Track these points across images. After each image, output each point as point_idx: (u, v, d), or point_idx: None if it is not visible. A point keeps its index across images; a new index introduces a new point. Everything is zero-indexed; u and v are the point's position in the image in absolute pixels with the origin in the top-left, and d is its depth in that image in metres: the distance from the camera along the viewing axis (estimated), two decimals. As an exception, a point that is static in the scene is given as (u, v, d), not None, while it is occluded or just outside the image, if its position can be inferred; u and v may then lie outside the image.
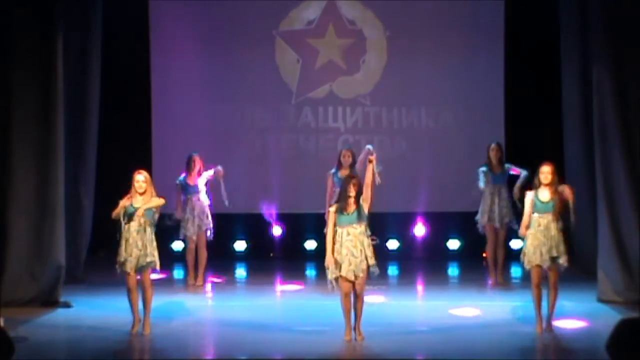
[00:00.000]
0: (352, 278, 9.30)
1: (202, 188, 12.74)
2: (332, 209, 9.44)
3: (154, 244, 9.77)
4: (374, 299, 11.23)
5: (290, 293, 12.63)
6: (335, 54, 15.05)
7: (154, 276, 10.31)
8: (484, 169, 12.67)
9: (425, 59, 14.94)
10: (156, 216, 9.84)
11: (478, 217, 12.67)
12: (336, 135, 15.12)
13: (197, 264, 12.78)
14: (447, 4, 14.86)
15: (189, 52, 14.86)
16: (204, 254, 12.75)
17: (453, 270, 14.33)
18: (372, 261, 9.29)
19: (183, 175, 12.74)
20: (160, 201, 9.83)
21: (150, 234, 9.74)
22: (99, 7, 12.64)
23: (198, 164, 12.70)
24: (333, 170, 12.41)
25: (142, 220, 9.69)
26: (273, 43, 15.04)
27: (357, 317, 9.50)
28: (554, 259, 9.62)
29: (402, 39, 15.01)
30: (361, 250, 9.28)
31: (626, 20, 11.15)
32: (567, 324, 10.21)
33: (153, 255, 9.73)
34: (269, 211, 14.79)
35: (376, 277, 9.41)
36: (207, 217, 12.75)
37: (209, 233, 12.77)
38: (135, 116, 14.81)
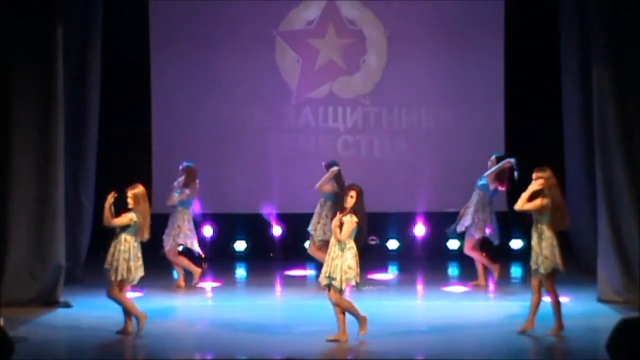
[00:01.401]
0: (323, 284, 9.55)
1: (185, 200, 12.68)
2: None
3: (123, 255, 9.73)
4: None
5: (290, 292, 12.64)
6: (335, 54, 15.05)
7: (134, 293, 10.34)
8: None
9: (425, 59, 14.94)
10: (141, 232, 9.84)
11: None
12: (336, 135, 15.12)
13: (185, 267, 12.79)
14: (447, 4, 14.86)
15: (189, 52, 14.86)
16: (176, 261, 12.73)
17: (453, 270, 14.33)
18: (332, 274, 9.41)
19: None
20: (123, 221, 9.78)
21: (123, 244, 9.76)
22: (99, 7, 12.64)
23: (183, 176, 12.69)
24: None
25: (121, 233, 9.79)
26: (273, 43, 15.04)
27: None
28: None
29: (402, 39, 15.01)
30: (332, 258, 9.43)
31: (626, 21, 11.15)
32: (567, 324, 10.20)
33: (110, 263, 9.76)
34: (268, 211, 14.78)
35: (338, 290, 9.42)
36: (182, 232, 12.61)
37: (180, 248, 12.75)
38: (135, 116, 14.81)
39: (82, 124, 12.57)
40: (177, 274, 12.94)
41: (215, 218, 14.83)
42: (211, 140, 14.91)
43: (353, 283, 9.44)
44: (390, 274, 13.85)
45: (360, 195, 9.60)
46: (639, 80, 11.16)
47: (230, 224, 15.05)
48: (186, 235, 12.59)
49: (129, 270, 9.75)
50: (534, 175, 9.74)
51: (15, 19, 11.18)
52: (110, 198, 9.79)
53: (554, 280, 9.68)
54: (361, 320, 9.53)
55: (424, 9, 14.98)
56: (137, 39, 14.82)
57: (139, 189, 9.92)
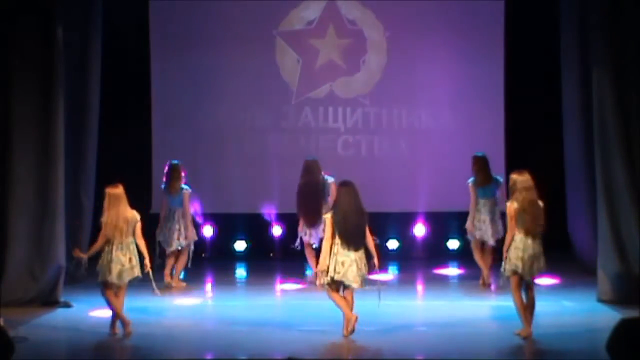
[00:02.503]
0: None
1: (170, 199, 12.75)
2: None
3: (107, 257, 9.88)
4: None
5: (290, 293, 12.62)
6: (335, 54, 15.05)
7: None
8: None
9: (425, 59, 14.93)
10: (111, 233, 9.94)
11: None
12: (336, 135, 15.11)
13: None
14: (447, 4, 14.86)
15: (189, 52, 14.86)
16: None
17: (453, 270, 14.31)
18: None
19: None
20: (102, 234, 9.95)
21: (107, 246, 9.94)
22: (99, 7, 12.64)
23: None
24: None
25: None
26: (273, 43, 15.04)
27: None
28: None
29: (402, 39, 15.01)
30: None
31: (626, 21, 11.15)
32: (567, 324, 10.21)
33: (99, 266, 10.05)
34: (268, 211, 14.78)
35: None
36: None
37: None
38: (135, 116, 14.80)
39: (82, 124, 12.56)
40: (185, 273, 12.96)
41: (215, 218, 14.82)
42: (211, 140, 14.90)
43: (322, 279, 9.55)
44: (391, 274, 13.81)
45: (339, 190, 9.73)
46: (639, 81, 11.16)
47: (230, 224, 15.04)
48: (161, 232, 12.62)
49: (109, 271, 9.79)
50: (510, 177, 9.73)
51: (15, 19, 11.19)
52: (77, 254, 10.29)
53: (516, 283, 9.62)
54: (345, 318, 9.57)
55: (424, 9, 14.98)
56: (137, 39, 14.81)
57: (109, 190, 9.96)
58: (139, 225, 9.96)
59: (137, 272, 9.88)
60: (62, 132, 11.40)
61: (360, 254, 9.55)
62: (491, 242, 12.53)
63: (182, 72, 14.89)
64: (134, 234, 9.91)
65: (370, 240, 9.65)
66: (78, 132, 12.44)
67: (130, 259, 9.84)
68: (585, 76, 12.27)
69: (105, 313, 10.15)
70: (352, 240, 9.51)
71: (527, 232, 9.56)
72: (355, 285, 9.53)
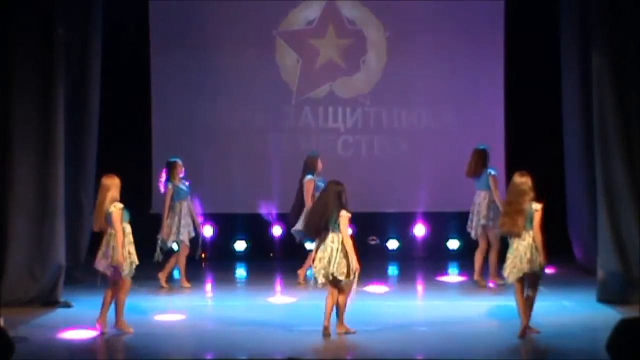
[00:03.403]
0: None
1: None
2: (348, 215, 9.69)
3: None
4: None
5: (290, 293, 12.62)
6: (335, 54, 15.05)
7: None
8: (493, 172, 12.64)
9: (425, 59, 14.94)
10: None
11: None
12: (336, 135, 15.11)
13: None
14: (447, 4, 14.86)
15: (189, 52, 14.86)
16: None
17: (453, 270, 14.31)
18: None
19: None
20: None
21: None
22: (99, 7, 12.65)
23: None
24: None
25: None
26: (273, 43, 15.04)
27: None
28: None
29: (402, 39, 15.01)
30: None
31: (626, 21, 11.15)
32: (567, 324, 10.21)
33: None
34: (268, 211, 14.78)
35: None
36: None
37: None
38: (135, 116, 14.80)
39: (82, 124, 12.58)
40: (178, 273, 12.95)
41: (215, 218, 14.82)
42: (211, 140, 14.90)
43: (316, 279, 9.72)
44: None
45: (323, 188, 9.99)
46: (639, 81, 11.16)
47: (230, 224, 15.04)
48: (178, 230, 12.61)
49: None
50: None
51: (15, 18, 11.19)
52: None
53: (517, 285, 9.66)
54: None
55: (424, 9, 14.98)
56: (137, 39, 14.81)
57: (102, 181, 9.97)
58: (114, 216, 9.72)
59: (103, 262, 9.78)
60: (62, 132, 11.41)
61: (331, 251, 9.56)
62: (472, 233, 12.55)
63: (182, 72, 14.89)
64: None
65: (346, 239, 9.60)
66: (78, 132, 12.46)
67: (105, 251, 9.82)
68: (585, 76, 12.27)
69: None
70: (306, 233, 9.80)
71: (506, 233, 9.61)
72: (321, 280, 9.62)
